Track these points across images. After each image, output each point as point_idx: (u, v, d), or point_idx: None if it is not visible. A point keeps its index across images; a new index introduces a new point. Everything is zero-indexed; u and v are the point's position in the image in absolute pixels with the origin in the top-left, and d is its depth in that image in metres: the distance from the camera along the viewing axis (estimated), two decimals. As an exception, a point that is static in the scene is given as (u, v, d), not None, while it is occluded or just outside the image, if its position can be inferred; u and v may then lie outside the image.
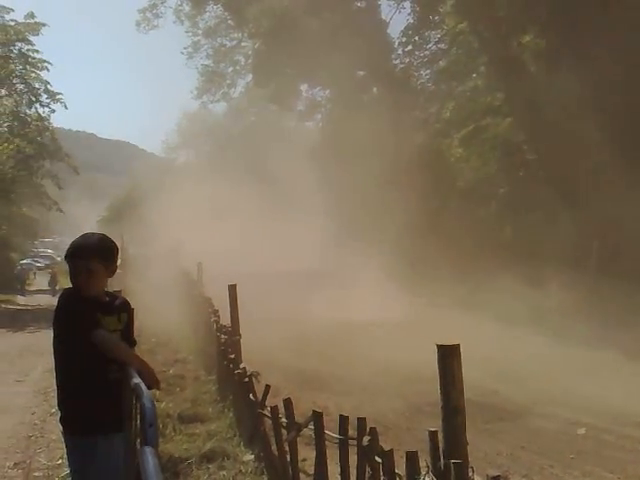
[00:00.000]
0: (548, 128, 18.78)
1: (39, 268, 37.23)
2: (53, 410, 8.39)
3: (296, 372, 10.90)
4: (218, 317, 8.98)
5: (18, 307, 22.86)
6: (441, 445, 3.00)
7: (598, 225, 15.70)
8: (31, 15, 28.50)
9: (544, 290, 15.30)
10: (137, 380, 3.11)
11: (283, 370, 10.63)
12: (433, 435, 3.02)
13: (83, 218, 43.14)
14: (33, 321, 17.94)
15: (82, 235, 3.58)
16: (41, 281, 31.43)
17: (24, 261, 35.54)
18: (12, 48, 28.37)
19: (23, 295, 27.55)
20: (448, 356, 3.00)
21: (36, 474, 6.23)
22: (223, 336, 7.47)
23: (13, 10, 28.37)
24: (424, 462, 3.17)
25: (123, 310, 3.64)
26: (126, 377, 3.25)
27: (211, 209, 44.57)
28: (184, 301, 14.16)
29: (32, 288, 31.59)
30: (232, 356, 6.48)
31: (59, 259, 40.20)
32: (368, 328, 14.76)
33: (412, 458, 3.14)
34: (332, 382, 10.32)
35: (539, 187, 19.27)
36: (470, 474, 2.89)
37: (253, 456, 6.22)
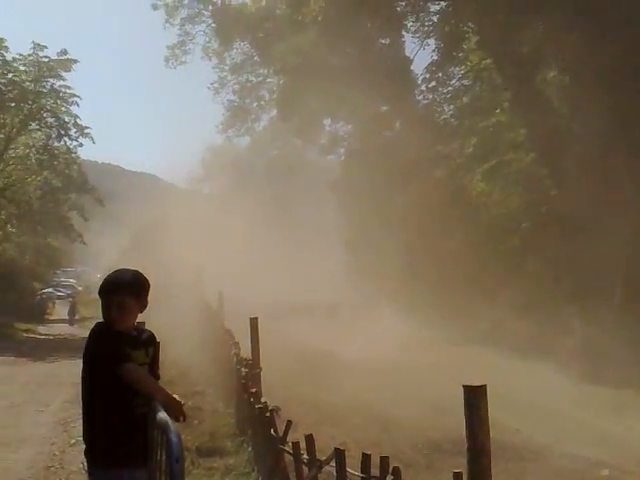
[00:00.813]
0: (571, 163, 18.72)
1: (60, 297, 37.51)
2: (73, 441, 8.38)
3: (314, 406, 10.81)
4: (239, 349, 8.97)
5: (39, 336, 22.99)
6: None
7: (622, 259, 15.50)
8: (64, 52, 29.39)
9: (567, 327, 15.07)
10: (163, 415, 3.12)
11: (302, 403, 10.55)
12: (458, 476, 2.97)
13: (105, 248, 43.57)
14: (53, 351, 18.02)
15: (116, 271, 3.64)
16: (61, 310, 31.57)
17: (46, 290, 35.86)
18: (44, 83, 29.22)
19: (43, 324, 27.53)
20: (475, 397, 2.96)
21: (54, 505, 6.20)
22: (244, 369, 7.44)
23: (47, 47, 29.27)
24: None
25: (150, 344, 3.67)
26: (152, 411, 3.26)
27: (232, 240, 44.93)
28: (204, 332, 14.18)
29: (52, 317, 31.83)
30: (253, 390, 6.45)
31: (80, 288, 40.54)
32: (388, 364, 14.61)
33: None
34: (351, 416, 10.20)
35: (562, 222, 19.11)
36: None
37: (271, 492, 6.15)
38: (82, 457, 7.97)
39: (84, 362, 3.53)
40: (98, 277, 53.32)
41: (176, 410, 3.30)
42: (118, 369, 3.30)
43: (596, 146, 17.70)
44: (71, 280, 45.62)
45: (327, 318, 22.04)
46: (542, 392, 11.23)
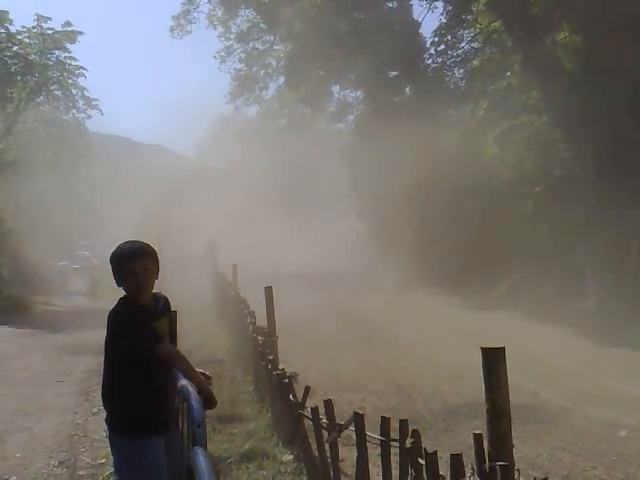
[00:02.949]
0: (584, 126, 18.46)
1: (75, 269, 37.76)
2: (94, 410, 8.54)
3: (331, 373, 10.91)
4: (254, 318, 9.04)
5: (57, 308, 23.22)
6: (486, 447, 2.98)
7: (638, 225, 15.37)
8: (68, 23, 29.22)
9: (583, 290, 15.04)
10: (184, 382, 3.17)
11: (319, 371, 10.65)
12: (478, 437, 3.00)
13: (116, 220, 43.78)
14: (72, 322, 18.18)
15: (126, 242, 3.68)
16: (77, 282, 31.71)
17: (61, 263, 36.04)
18: (50, 56, 29.11)
19: (60, 297, 27.52)
20: (493, 359, 2.97)
21: (81, 472, 6.32)
22: (260, 337, 7.51)
23: (51, 19, 29.08)
24: (468, 465, 3.16)
25: (167, 310, 3.75)
26: (172, 380, 3.32)
27: (243, 211, 44.98)
28: (219, 302, 14.28)
29: (68, 289, 32.09)
30: (271, 357, 6.52)
31: (95, 261, 40.74)
32: (403, 330, 14.68)
33: (456, 461, 3.12)
34: (368, 383, 10.28)
35: (576, 186, 18.95)
36: (516, 476, 2.86)
37: (292, 456, 6.25)
38: (104, 425, 8.15)
39: (113, 337, 3.58)
40: (112, 249, 53.75)
41: (209, 398, 3.33)
42: (156, 350, 3.40)
43: (609, 105, 17.44)
44: (85, 252, 45.85)
45: (342, 287, 22.07)
46: (559, 355, 11.25)
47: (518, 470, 2.91)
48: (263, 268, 21.88)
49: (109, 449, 6.88)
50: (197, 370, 3.47)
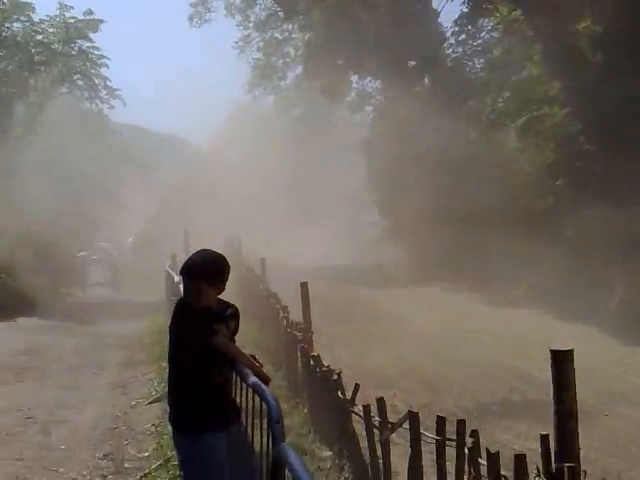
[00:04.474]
0: (607, 117, 18.33)
1: (94, 260, 38.03)
2: (133, 403, 8.75)
3: (359, 368, 10.99)
4: (288, 313, 9.18)
5: (81, 300, 23.53)
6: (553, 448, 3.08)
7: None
8: (89, 12, 29.31)
9: (607, 287, 14.95)
10: (254, 379, 3.37)
11: (345, 366, 10.75)
12: (545, 438, 3.13)
13: (136, 212, 44.00)
14: (99, 314, 18.38)
15: (198, 253, 3.84)
16: (95, 274, 31.98)
17: (81, 254, 36.33)
18: (72, 45, 29.23)
19: (82, 288, 27.61)
20: (562, 361, 3.09)
21: (126, 465, 6.45)
22: (298, 333, 7.66)
23: (72, 7, 29.17)
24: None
25: (231, 319, 3.88)
26: (241, 377, 3.53)
27: (258, 203, 45.01)
28: (245, 296, 14.42)
29: (89, 281, 32.38)
30: (315, 354, 6.69)
31: (115, 252, 40.99)
32: (427, 325, 14.72)
33: (520, 461, 3.26)
34: (397, 380, 10.37)
35: (597, 179, 18.81)
36: (583, 478, 2.98)
37: (331, 453, 6.41)
38: (145, 418, 8.33)
39: (176, 336, 3.76)
40: (130, 240, 53.99)
41: (260, 374, 3.56)
42: (210, 340, 3.58)
43: (631, 98, 17.29)
44: (104, 243, 46.19)
45: (358, 282, 22.10)
46: (588, 354, 11.22)
47: (585, 471, 3.02)
48: (280, 262, 21.97)
49: (153, 442, 7.13)
50: (249, 355, 3.72)
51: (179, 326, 3.74)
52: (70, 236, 29.14)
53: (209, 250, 3.83)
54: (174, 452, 6.28)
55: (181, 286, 3.96)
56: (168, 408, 3.98)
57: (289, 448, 2.46)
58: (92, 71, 29.66)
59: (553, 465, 3.05)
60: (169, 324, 3.84)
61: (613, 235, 15.87)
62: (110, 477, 6.17)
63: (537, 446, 6.57)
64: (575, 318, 13.75)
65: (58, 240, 26.04)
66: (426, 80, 29.41)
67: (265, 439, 3.15)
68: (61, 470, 6.49)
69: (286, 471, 2.40)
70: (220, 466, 3.72)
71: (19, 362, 11.74)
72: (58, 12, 28.71)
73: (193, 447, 3.69)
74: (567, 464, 2.97)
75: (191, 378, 3.68)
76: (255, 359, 3.75)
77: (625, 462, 6.68)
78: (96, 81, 29.77)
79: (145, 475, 6.04)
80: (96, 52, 29.90)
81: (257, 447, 3.62)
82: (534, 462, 3.45)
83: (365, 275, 24.17)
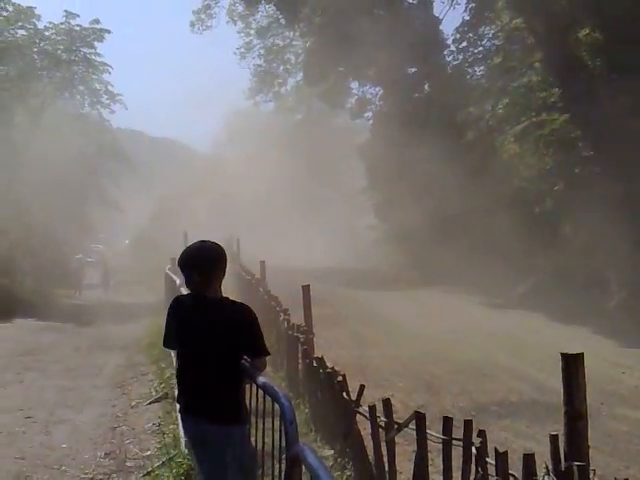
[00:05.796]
0: (605, 124, 18.45)
1: (89, 263, 37.98)
2: (133, 403, 8.76)
3: (358, 368, 11.03)
4: (288, 316, 9.22)
5: (79, 302, 23.52)
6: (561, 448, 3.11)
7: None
8: (96, 21, 29.49)
9: (604, 289, 15.08)
10: (263, 379, 3.38)
11: (345, 366, 10.78)
12: (554, 438, 3.16)
13: (131, 214, 44.05)
14: (96, 316, 18.43)
15: (193, 244, 3.90)
16: (90, 276, 31.89)
17: (76, 256, 36.30)
18: (76, 52, 29.31)
19: (79, 291, 27.41)
20: (572, 364, 3.14)
21: (128, 464, 6.44)
22: (301, 335, 7.69)
23: (78, 15, 29.33)
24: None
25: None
26: (251, 377, 3.54)
27: (257, 206, 45.09)
28: (244, 298, 14.42)
29: (84, 283, 32.28)
30: (320, 356, 6.72)
31: (110, 254, 40.86)
32: (426, 327, 14.79)
33: (529, 460, 3.29)
34: (395, 380, 10.42)
35: (596, 184, 18.93)
36: (591, 477, 3.02)
37: (333, 451, 6.43)
38: (145, 418, 8.29)
39: (219, 331, 3.73)
40: (126, 243, 53.96)
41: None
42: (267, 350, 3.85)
43: (632, 103, 17.42)
44: (99, 246, 46.13)
45: (357, 284, 22.15)
46: (586, 356, 11.33)
47: (594, 470, 3.06)
48: (279, 264, 22.00)
49: (155, 441, 7.12)
50: None
51: (225, 323, 3.73)
52: (67, 239, 29.12)
53: (206, 240, 3.89)
54: (176, 451, 6.33)
55: (182, 289, 3.99)
56: (176, 405, 3.97)
57: (308, 449, 2.47)
58: (93, 77, 29.76)
59: (562, 464, 3.08)
60: (180, 316, 3.85)
61: (610, 239, 15.96)
62: (113, 475, 6.16)
63: (536, 445, 6.61)
64: (572, 320, 13.84)
65: (55, 243, 26.04)
66: (426, 87, 29.54)
67: (270, 439, 3.17)
68: (63, 468, 6.47)
69: (302, 471, 2.43)
70: (254, 456, 3.81)
71: (19, 362, 11.74)
72: (64, 19, 28.91)
73: (230, 438, 3.70)
74: (577, 463, 3.00)
75: (235, 373, 3.72)
76: None
77: (624, 460, 6.74)
78: (97, 86, 29.86)
79: (148, 473, 6.03)
80: (98, 59, 30.09)
81: (258, 447, 3.67)
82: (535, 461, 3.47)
83: (364, 278, 24.24)
